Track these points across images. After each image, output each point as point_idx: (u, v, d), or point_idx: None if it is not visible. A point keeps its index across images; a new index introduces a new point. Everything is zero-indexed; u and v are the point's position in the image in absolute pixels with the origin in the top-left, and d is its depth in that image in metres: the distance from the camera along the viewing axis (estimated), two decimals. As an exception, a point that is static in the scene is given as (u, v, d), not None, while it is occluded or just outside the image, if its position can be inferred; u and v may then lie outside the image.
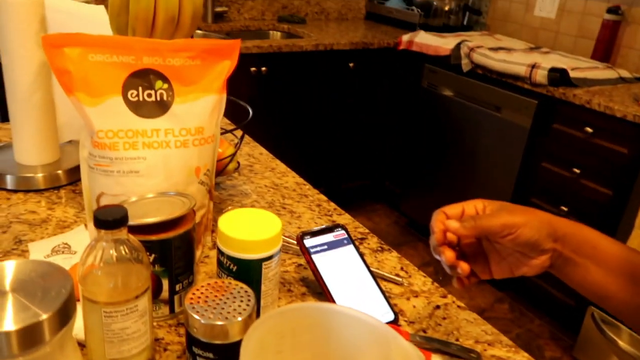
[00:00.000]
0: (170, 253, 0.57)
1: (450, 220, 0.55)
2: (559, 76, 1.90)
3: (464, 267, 0.55)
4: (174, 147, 0.63)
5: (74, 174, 0.90)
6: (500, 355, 0.59)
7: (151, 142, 0.61)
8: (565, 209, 1.94)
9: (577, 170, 1.88)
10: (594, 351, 1.86)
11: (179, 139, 0.63)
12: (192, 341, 0.49)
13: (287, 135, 2.47)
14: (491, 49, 2.20)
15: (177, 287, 0.59)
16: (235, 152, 0.84)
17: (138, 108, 0.61)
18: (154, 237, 0.56)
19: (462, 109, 2.27)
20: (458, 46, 2.22)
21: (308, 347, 0.48)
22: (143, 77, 0.61)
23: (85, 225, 0.76)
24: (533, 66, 1.94)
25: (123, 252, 0.47)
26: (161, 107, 0.62)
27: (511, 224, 0.53)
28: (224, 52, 0.64)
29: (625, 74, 2.09)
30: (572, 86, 1.91)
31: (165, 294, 0.59)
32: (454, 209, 0.57)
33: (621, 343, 1.74)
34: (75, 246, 0.72)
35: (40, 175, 0.87)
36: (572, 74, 1.93)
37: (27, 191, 0.85)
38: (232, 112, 0.94)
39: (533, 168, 2.04)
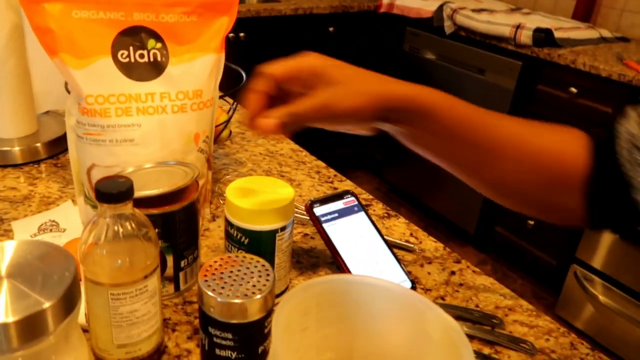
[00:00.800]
0: (174, 227, 0.53)
1: (266, 119, 0.45)
2: (544, 36, 1.88)
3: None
4: (171, 112, 0.57)
5: (54, 147, 0.83)
6: (523, 320, 0.57)
7: (146, 107, 0.56)
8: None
9: (561, 132, 1.88)
10: (575, 308, 1.90)
11: (176, 103, 0.57)
12: (207, 321, 0.45)
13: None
14: (473, 10, 2.15)
15: (183, 264, 0.55)
16: (230, 118, 0.79)
17: (130, 70, 0.55)
18: (155, 211, 0.51)
19: (445, 72, 2.23)
20: (440, 8, 2.17)
21: (334, 322, 0.45)
22: (134, 35, 0.55)
23: (73, 201, 0.71)
24: (517, 27, 1.91)
25: (129, 228, 0.43)
26: (155, 68, 0.56)
27: (334, 113, 0.46)
28: (221, 7, 0.59)
29: (606, 33, 2.09)
30: (556, 46, 1.90)
31: (169, 271, 0.55)
32: (284, 66, 0.46)
33: (602, 298, 1.79)
34: (63, 223, 0.67)
35: (17, 148, 0.80)
36: (556, 34, 1.91)
37: (3, 166, 0.79)
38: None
39: (517, 130, 2.03)
